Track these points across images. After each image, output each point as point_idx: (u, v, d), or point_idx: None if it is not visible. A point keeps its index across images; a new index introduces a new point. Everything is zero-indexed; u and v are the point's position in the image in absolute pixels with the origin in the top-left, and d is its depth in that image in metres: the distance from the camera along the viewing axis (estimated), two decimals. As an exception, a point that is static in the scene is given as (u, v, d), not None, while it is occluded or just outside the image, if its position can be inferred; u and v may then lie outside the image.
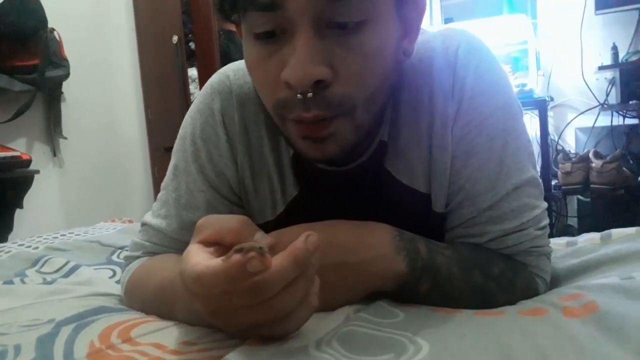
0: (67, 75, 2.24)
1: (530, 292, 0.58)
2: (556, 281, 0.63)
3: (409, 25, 0.53)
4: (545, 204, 0.59)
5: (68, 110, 2.36)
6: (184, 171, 0.66)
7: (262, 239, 0.45)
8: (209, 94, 0.66)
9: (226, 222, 0.46)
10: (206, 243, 0.45)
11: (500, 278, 0.56)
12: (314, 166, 0.61)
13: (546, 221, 0.59)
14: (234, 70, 0.66)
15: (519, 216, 0.56)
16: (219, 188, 0.65)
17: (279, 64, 0.48)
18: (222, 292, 0.40)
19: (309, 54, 0.46)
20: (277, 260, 0.39)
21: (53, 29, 2.18)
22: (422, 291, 0.54)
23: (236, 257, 0.38)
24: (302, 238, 0.40)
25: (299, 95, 0.47)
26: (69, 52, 2.24)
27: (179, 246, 0.64)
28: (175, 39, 2.55)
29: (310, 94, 0.47)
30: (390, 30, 0.50)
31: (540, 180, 0.60)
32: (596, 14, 2.35)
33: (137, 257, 0.67)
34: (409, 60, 0.57)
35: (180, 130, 0.68)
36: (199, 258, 0.42)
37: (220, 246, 0.45)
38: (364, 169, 0.60)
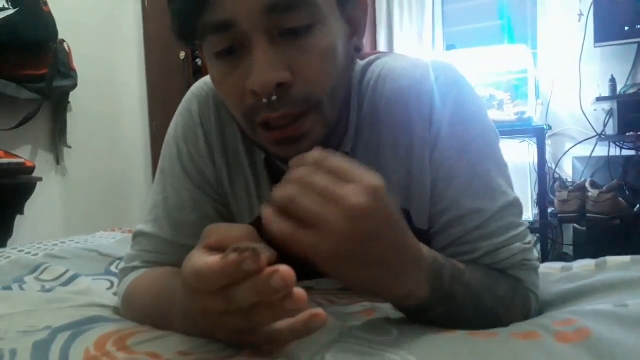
0: (74, 86, 2.26)
1: (527, 309, 0.59)
2: (550, 305, 0.63)
3: (356, 24, 0.59)
4: (527, 223, 0.62)
5: (74, 120, 2.38)
6: (170, 173, 0.68)
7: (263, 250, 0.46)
8: (189, 99, 0.71)
9: (232, 230, 0.47)
10: (210, 248, 0.46)
11: (505, 299, 0.57)
12: (286, 169, 0.62)
13: (530, 237, 0.61)
14: None
15: (506, 233, 0.58)
16: (201, 186, 0.67)
17: (243, 76, 0.52)
18: (211, 292, 0.41)
19: (267, 61, 0.50)
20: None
21: (63, 41, 2.21)
22: (432, 314, 0.54)
23: (232, 256, 0.39)
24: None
25: (264, 100, 0.51)
26: (77, 63, 2.27)
27: (174, 249, 0.65)
28: (182, 55, 2.59)
29: (274, 97, 0.51)
30: (337, 30, 0.55)
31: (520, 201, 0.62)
32: (595, 47, 2.38)
33: (134, 268, 0.68)
34: (389, 86, 0.61)
35: (166, 136, 0.72)
36: (201, 258, 0.43)
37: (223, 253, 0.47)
38: None
